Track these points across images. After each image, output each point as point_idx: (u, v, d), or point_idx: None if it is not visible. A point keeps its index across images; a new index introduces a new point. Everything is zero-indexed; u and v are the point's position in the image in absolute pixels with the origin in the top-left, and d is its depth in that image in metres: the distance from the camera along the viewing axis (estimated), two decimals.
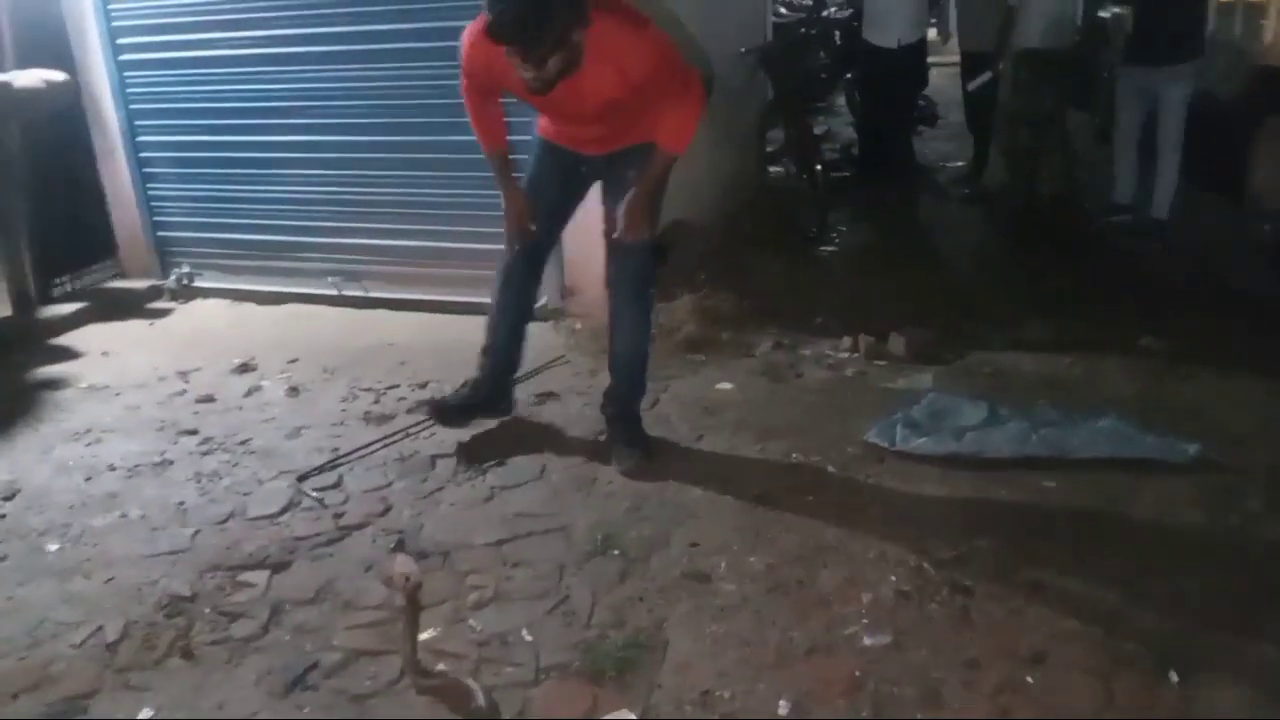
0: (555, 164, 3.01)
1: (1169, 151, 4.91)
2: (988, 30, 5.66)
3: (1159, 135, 4.93)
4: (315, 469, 3.16)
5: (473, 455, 3.15)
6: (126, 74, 4.93)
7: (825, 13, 7.89)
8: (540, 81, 2.51)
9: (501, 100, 2.94)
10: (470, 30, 2.67)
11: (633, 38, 2.59)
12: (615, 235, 2.89)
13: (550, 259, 3.26)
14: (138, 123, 4.99)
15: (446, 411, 3.25)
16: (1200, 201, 5.02)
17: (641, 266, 3.00)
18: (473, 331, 3.43)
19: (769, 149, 5.99)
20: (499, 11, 2.37)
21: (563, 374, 3.76)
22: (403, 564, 2.17)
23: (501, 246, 3.16)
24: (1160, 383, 3.41)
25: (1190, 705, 1.98)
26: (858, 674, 2.10)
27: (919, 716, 1.98)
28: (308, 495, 3.01)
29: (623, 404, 3.15)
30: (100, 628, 2.42)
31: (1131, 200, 5.08)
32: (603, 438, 3.20)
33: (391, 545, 2.68)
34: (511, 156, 3.03)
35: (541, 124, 3.02)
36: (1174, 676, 2.04)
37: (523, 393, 3.59)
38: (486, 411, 3.30)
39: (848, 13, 7.26)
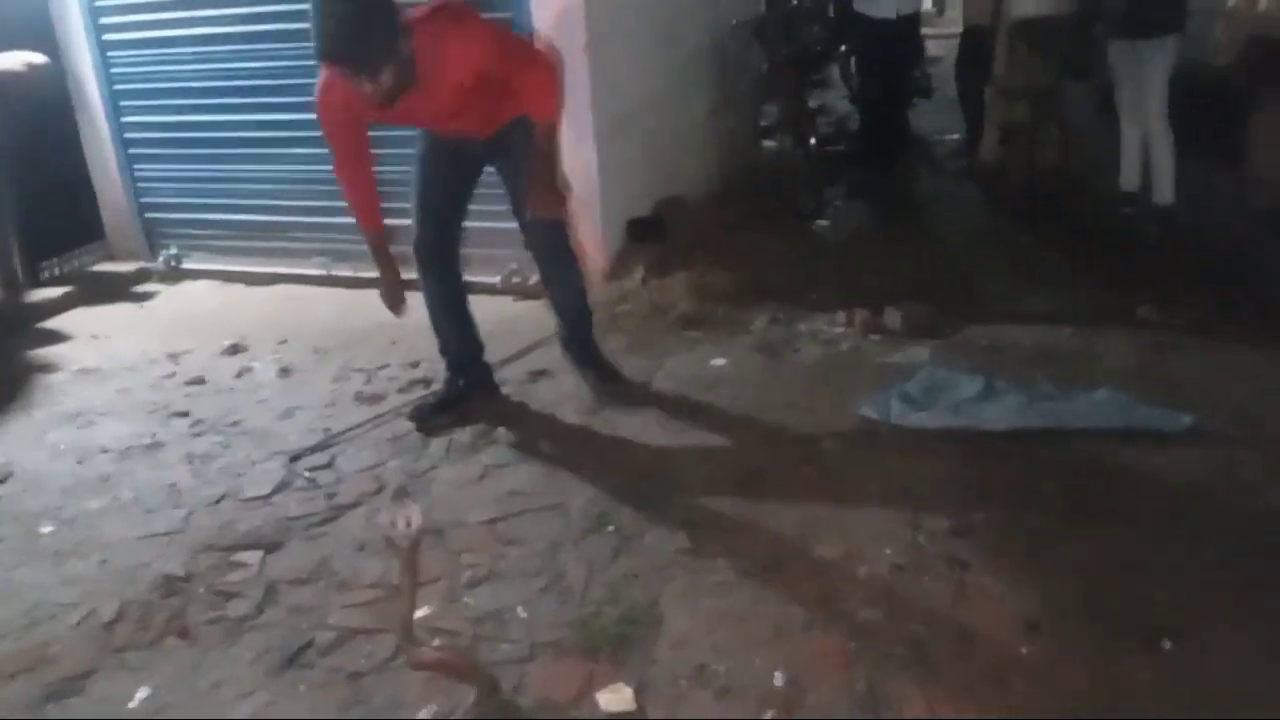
0: (439, 147, 3.07)
1: (1158, 130, 4.70)
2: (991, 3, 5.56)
3: (1148, 114, 4.80)
4: (307, 449, 3.15)
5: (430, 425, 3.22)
6: (109, 54, 4.88)
7: None
8: (381, 95, 2.61)
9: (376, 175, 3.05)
10: (318, 87, 2.78)
11: (457, 35, 2.67)
12: (530, 217, 2.98)
13: (462, 242, 3.28)
14: (122, 103, 4.95)
15: (423, 415, 3.26)
16: (1199, 173, 4.93)
17: (557, 234, 3.11)
18: None
19: (763, 123, 5.94)
20: (324, 33, 2.48)
21: (555, 351, 3.71)
22: (408, 509, 2.04)
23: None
24: (1158, 354, 3.40)
25: (1184, 673, 1.98)
26: (853, 647, 2.10)
27: (912, 689, 1.98)
28: (300, 475, 3.00)
29: (574, 334, 3.32)
30: (96, 609, 2.43)
31: (1138, 187, 4.94)
32: (595, 415, 3.20)
33: (393, 495, 2.47)
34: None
35: None
36: (1167, 645, 2.04)
37: (515, 370, 3.58)
38: (468, 402, 3.29)
39: None
